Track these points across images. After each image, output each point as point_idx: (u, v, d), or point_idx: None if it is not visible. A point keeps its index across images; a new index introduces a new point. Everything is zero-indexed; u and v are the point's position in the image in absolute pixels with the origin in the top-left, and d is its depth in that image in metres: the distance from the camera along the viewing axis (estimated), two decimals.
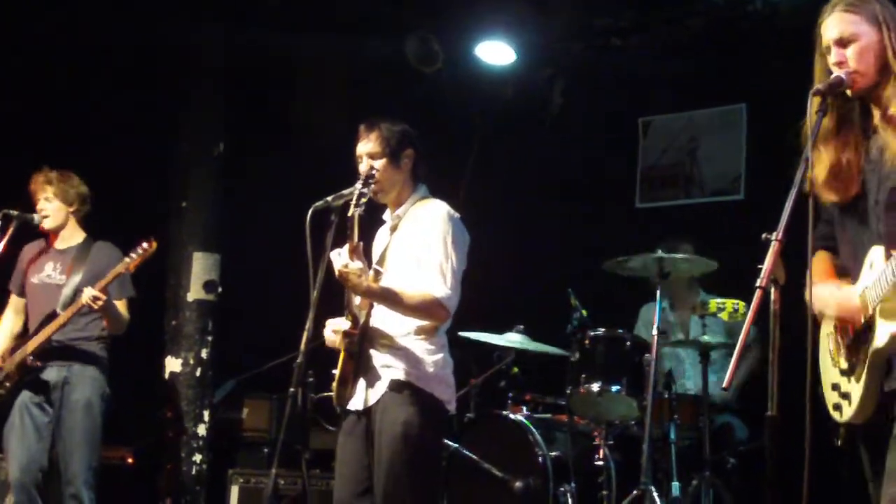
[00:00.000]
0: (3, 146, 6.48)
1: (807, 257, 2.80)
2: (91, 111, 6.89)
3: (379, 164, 3.87)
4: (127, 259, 5.13)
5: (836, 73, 2.90)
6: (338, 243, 3.69)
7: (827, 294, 2.95)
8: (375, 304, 3.81)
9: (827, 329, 3.05)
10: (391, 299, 3.75)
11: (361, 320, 3.80)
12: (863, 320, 2.85)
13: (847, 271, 3.01)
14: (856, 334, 2.90)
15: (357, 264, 3.61)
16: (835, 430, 2.97)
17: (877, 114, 2.97)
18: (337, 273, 3.63)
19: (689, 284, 6.08)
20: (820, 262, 3.07)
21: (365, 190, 3.68)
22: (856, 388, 2.88)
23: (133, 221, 5.98)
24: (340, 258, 3.63)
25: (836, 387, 2.97)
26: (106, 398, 5.38)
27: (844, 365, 2.94)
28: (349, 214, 3.63)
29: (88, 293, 5.07)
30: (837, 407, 2.96)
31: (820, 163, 2.97)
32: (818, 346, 3.07)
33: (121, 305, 5.38)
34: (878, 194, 2.91)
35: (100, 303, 5.08)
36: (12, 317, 5.61)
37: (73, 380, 5.30)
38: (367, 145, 3.89)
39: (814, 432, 2.68)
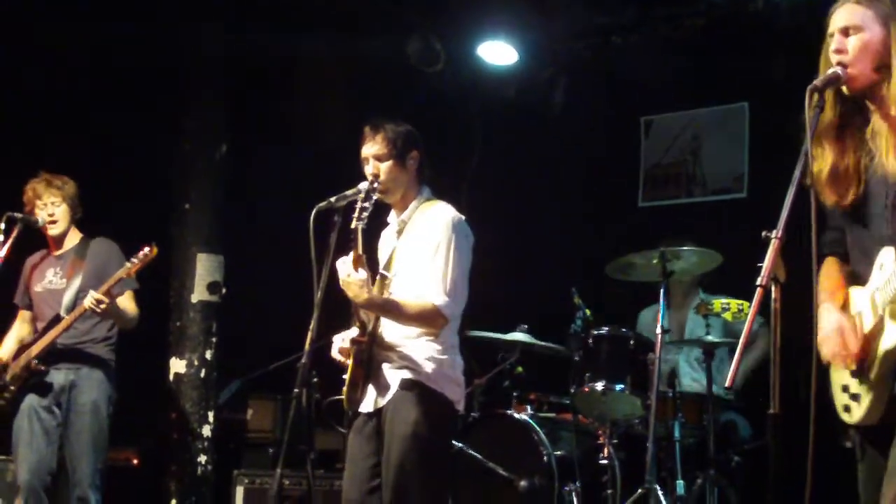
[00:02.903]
0: (3, 148, 6.48)
1: (809, 254, 2.78)
2: (93, 113, 6.89)
3: (385, 165, 3.86)
4: (128, 264, 5.11)
5: (834, 67, 2.90)
6: (341, 244, 3.69)
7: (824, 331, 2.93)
8: None
9: None
10: (391, 311, 3.77)
11: (370, 325, 3.81)
12: (857, 350, 2.86)
13: (857, 275, 3.00)
14: (865, 337, 2.90)
15: (360, 275, 3.62)
16: (845, 431, 2.97)
17: (875, 115, 2.96)
18: (341, 282, 3.65)
19: (689, 287, 6.08)
20: (828, 272, 3.06)
21: (367, 204, 3.69)
22: (865, 390, 2.88)
23: (136, 223, 5.99)
24: (344, 267, 3.64)
25: (845, 388, 2.97)
26: (112, 401, 5.39)
27: (854, 366, 2.93)
28: (352, 227, 3.64)
29: (91, 298, 5.07)
30: (847, 408, 2.96)
31: (822, 160, 2.96)
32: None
33: (126, 298, 5.35)
34: (886, 198, 2.90)
35: (103, 306, 5.09)
36: (22, 326, 5.60)
37: (80, 383, 5.31)
38: (372, 147, 3.88)
39: (817, 429, 2.67)
